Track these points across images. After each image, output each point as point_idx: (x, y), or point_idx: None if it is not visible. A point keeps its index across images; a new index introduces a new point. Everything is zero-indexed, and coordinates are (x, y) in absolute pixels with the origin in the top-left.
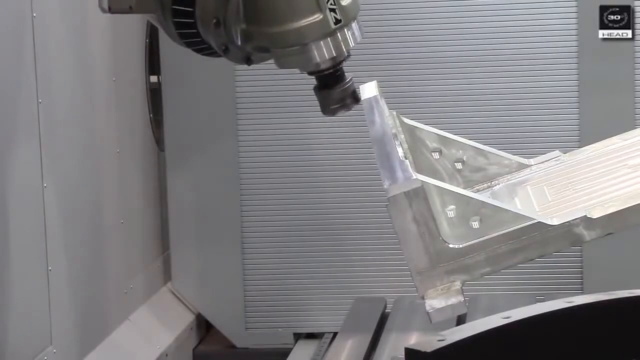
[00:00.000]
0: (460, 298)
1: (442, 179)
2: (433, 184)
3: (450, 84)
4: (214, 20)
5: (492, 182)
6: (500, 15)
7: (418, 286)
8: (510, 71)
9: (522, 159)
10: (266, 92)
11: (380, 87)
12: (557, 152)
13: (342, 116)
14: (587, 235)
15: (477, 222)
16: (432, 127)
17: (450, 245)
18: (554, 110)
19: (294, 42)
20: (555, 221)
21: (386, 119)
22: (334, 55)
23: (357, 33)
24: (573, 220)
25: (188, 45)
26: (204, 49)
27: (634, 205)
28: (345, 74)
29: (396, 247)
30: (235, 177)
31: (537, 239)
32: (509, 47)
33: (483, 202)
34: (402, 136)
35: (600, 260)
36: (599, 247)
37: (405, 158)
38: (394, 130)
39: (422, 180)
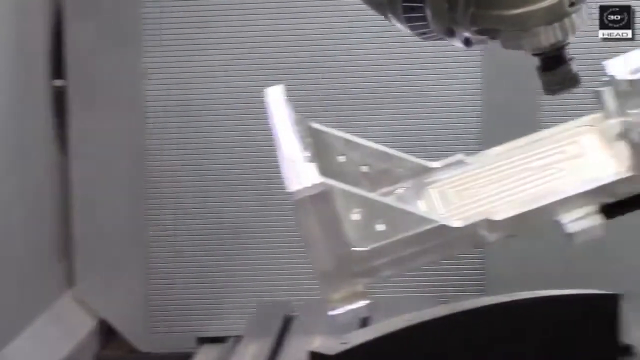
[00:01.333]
0: (364, 301)
1: (347, 182)
2: (338, 187)
3: (355, 87)
4: (446, 5)
5: (398, 185)
6: None
7: (322, 289)
8: (415, 74)
9: (426, 161)
10: (177, 105)
11: (285, 90)
12: (461, 155)
13: (249, 122)
14: (490, 237)
15: (382, 225)
16: (338, 130)
17: (355, 249)
18: (458, 112)
19: (531, 24)
20: (458, 223)
21: (291, 122)
22: (563, 38)
23: (585, 16)
24: (476, 222)
25: (413, 28)
26: (427, 32)
27: (536, 208)
28: (568, 55)
29: (302, 250)
30: (139, 183)
31: (441, 242)
32: (413, 49)
33: (388, 205)
34: (308, 140)
35: (502, 261)
36: (502, 249)
37: (311, 161)
38: (299, 134)
39: (327, 184)
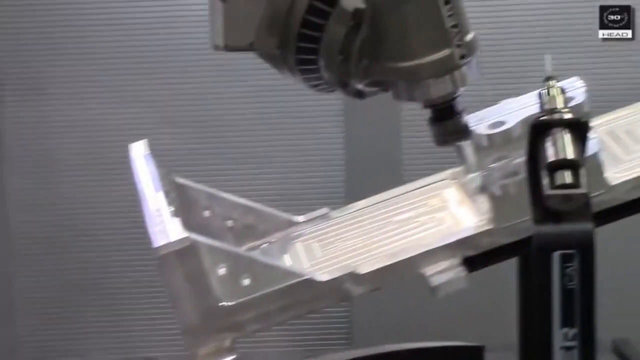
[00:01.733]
0: (231, 356)
1: (213, 237)
2: (203, 242)
3: (220, 141)
4: (340, 57)
5: (263, 240)
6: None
7: (188, 345)
8: (280, 128)
9: (291, 216)
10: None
11: (149, 145)
12: (325, 209)
13: (114, 175)
14: (355, 290)
15: (247, 280)
16: (202, 185)
17: (221, 304)
18: (323, 166)
19: (422, 77)
20: (324, 277)
21: (155, 177)
22: (454, 89)
23: (476, 68)
24: (342, 276)
25: (306, 80)
26: (320, 84)
27: (400, 261)
28: (458, 107)
29: (168, 305)
30: (3, 231)
31: (307, 296)
32: (278, 104)
33: (253, 259)
34: (172, 194)
35: (368, 314)
36: (367, 302)
37: (175, 216)
38: (164, 189)
39: (192, 239)
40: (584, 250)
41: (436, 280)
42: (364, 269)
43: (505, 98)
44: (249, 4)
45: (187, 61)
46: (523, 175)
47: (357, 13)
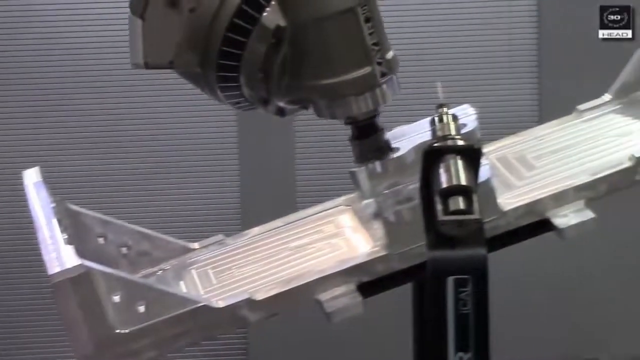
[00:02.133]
0: None
1: (107, 264)
2: (98, 269)
3: (112, 167)
4: (261, 75)
5: (158, 267)
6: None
7: None
8: (172, 155)
9: (186, 242)
10: None
11: (42, 172)
12: (221, 236)
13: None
14: (252, 317)
15: (142, 307)
16: (96, 212)
17: (117, 331)
18: (218, 193)
19: (343, 94)
20: (220, 304)
21: (49, 204)
22: (375, 107)
23: (396, 86)
24: (237, 302)
25: (227, 97)
26: (241, 102)
27: (295, 287)
28: (379, 125)
29: (64, 333)
30: None
31: (203, 322)
32: (175, 126)
33: (148, 286)
34: (66, 221)
35: (265, 341)
36: (264, 328)
37: (69, 243)
38: (57, 216)
39: (86, 266)
40: (478, 275)
41: (331, 306)
42: (259, 296)
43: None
44: (168, 22)
45: (74, 86)
46: (417, 201)
47: (278, 30)
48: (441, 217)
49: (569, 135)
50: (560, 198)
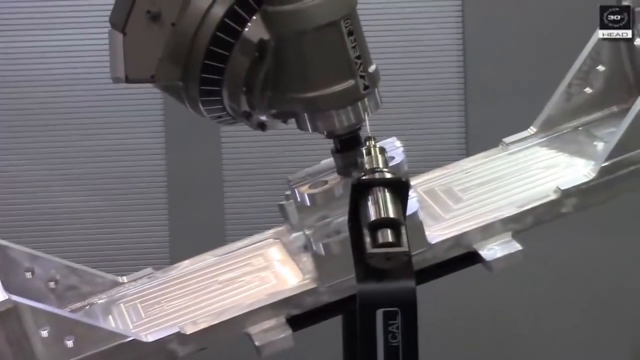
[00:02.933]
0: None
1: (35, 299)
2: (25, 304)
3: (42, 202)
4: (244, 88)
5: (87, 301)
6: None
7: None
8: (102, 189)
9: (115, 276)
10: None
11: None
12: (150, 269)
13: None
14: (181, 350)
15: (71, 342)
16: (24, 246)
17: None
18: (147, 227)
19: (327, 107)
20: (149, 338)
21: None
22: (357, 120)
23: (378, 99)
24: (167, 336)
25: (209, 112)
26: (222, 116)
27: (224, 321)
28: (361, 138)
29: None
30: None
31: (132, 357)
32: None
33: (77, 321)
34: None
35: None
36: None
37: None
38: None
39: (14, 301)
40: (406, 307)
41: (261, 340)
42: (189, 329)
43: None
44: (150, 36)
45: None
46: (346, 234)
47: (261, 44)
48: (370, 249)
49: (496, 167)
50: (488, 230)
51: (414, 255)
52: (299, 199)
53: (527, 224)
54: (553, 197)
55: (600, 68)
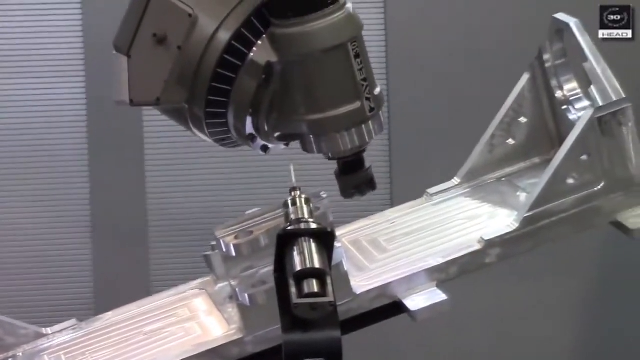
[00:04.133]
0: None
1: None
2: None
3: None
4: (250, 110)
5: (10, 353)
6: None
7: None
8: (23, 239)
9: (38, 328)
10: None
11: None
12: (74, 320)
13: None
14: None
15: None
16: None
17: None
18: (70, 278)
19: (333, 129)
20: None
21: None
22: (362, 142)
23: (382, 123)
24: None
25: (213, 134)
26: (226, 139)
27: None
28: (365, 161)
29: None
30: None
31: None
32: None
33: None
34: None
35: None
36: None
37: None
38: None
39: None
40: (332, 357)
41: None
42: None
43: None
44: (155, 59)
45: None
46: (271, 284)
47: (268, 67)
48: (295, 300)
49: (420, 218)
50: (412, 281)
51: (340, 305)
52: (224, 250)
53: (451, 274)
54: (477, 247)
55: (523, 120)
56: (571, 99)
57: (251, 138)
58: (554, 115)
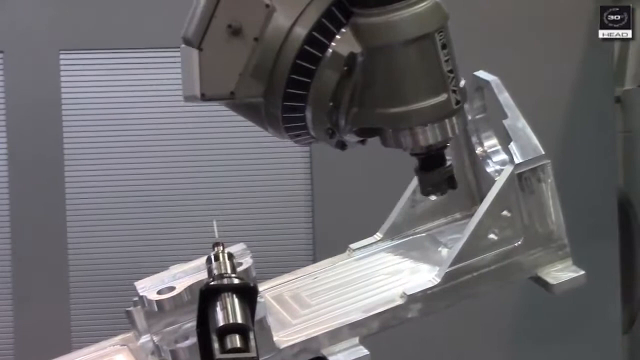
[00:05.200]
0: None
1: None
2: None
3: None
4: (331, 104)
5: None
6: None
7: None
8: None
9: None
10: None
11: None
12: None
13: None
14: None
15: None
16: None
17: None
18: None
19: (417, 122)
20: None
21: None
22: (446, 137)
23: (465, 118)
24: None
25: (289, 130)
26: (302, 135)
27: None
28: (445, 158)
29: None
30: None
31: None
32: None
33: None
34: None
35: None
36: None
37: None
38: None
39: None
40: None
41: None
42: None
43: None
44: (229, 51)
45: None
46: (194, 339)
47: (351, 58)
48: (218, 355)
49: (343, 273)
50: (335, 335)
51: None
52: (146, 305)
53: (373, 329)
54: (399, 302)
55: None
56: (491, 155)
57: (330, 133)
58: (475, 171)
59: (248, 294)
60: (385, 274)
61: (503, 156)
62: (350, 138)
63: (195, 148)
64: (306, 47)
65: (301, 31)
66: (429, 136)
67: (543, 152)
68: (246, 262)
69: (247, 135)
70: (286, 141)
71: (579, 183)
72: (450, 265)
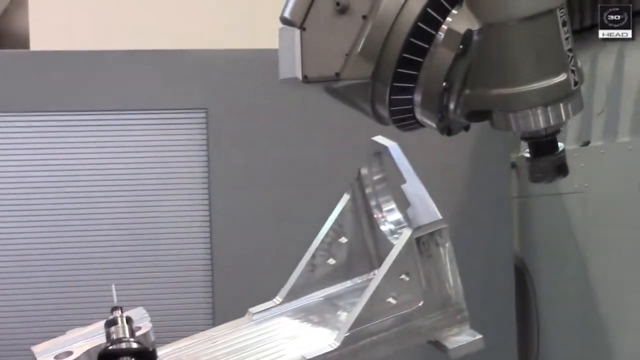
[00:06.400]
0: None
1: None
2: None
3: None
4: (444, 85)
5: None
6: None
7: None
8: None
9: None
10: None
11: None
12: None
13: None
14: None
15: None
16: None
17: None
18: None
19: (535, 103)
20: None
21: None
22: (559, 121)
23: (581, 102)
24: None
25: (394, 113)
26: (406, 119)
27: None
28: (557, 144)
29: None
30: None
31: None
32: None
33: None
34: None
35: None
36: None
37: None
38: None
39: None
40: None
41: None
42: None
43: None
44: (335, 31)
45: None
46: None
47: (467, 36)
48: None
49: (242, 337)
50: None
51: None
52: None
53: None
54: None
55: (343, 240)
56: (389, 219)
57: (439, 117)
58: (374, 236)
59: (147, 359)
60: (284, 338)
61: (399, 216)
62: (461, 120)
63: (92, 213)
64: (420, 24)
65: (415, 8)
66: (540, 120)
67: (440, 217)
68: (145, 326)
69: (147, 200)
70: (389, 126)
71: (477, 247)
72: (349, 329)
